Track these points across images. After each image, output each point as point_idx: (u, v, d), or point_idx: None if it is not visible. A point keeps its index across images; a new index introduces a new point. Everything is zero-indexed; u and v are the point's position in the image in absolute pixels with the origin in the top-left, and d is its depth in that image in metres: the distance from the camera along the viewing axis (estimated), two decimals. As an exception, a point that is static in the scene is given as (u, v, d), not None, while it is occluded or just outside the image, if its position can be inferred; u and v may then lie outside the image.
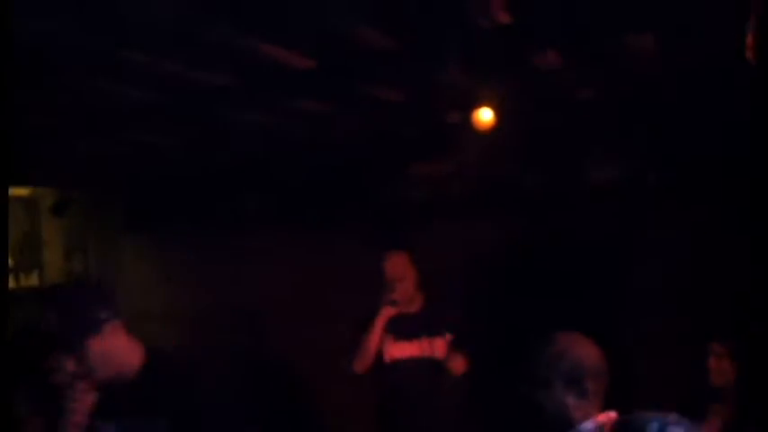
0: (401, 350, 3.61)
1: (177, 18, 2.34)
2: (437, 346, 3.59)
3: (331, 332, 4.08)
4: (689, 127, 3.81)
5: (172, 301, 5.69)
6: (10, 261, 5.65)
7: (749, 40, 1.96)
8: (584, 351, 1.93)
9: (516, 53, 2.94)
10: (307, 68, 2.92)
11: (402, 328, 3.61)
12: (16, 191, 5.56)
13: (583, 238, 4.20)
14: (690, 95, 3.69)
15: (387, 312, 3.59)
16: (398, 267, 3.60)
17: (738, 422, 2.75)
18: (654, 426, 1.63)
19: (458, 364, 3.57)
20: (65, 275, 5.79)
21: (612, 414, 1.87)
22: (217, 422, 4.99)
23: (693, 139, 3.79)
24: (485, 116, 3.91)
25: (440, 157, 4.50)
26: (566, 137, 4.19)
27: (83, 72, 2.92)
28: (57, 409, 4.11)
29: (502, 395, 2.54)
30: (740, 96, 3.13)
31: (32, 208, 5.81)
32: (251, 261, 5.27)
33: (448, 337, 3.60)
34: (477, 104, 3.83)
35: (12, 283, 5.64)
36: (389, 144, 4.53)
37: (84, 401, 1.77)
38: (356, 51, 2.77)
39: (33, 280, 5.71)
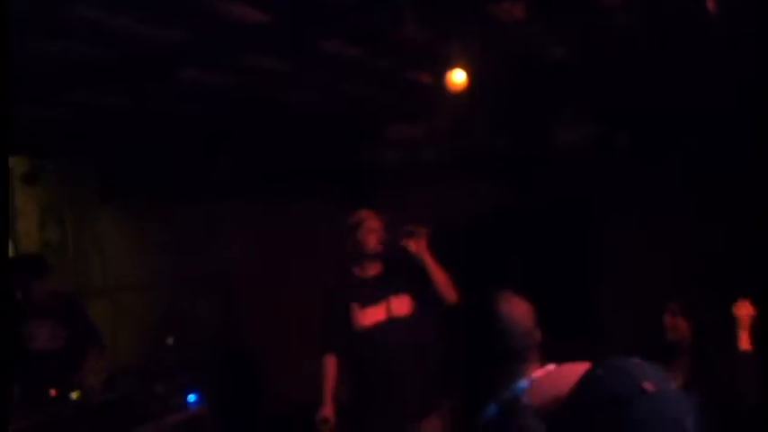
0: (371, 316, 3.58)
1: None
2: (403, 305, 3.58)
3: (303, 299, 4.06)
4: (659, 84, 3.76)
5: (147, 270, 5.66)
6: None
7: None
8: (512, 311, 1.90)
9: (477, 3, 2.88)
10: (263, 23, 2.85)
11: (367, 294, 3.59)
12: (-14, 159, 5.49)
13: (554, 199, 4.17)
14: (660, 52, 3.64)
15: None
16: (373, 222, 3.58)
17: (695, 376, 2.75)
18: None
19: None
20: (40, 245, 5.73)
21: (550, 367, 1.83)
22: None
23: (663, 96, 3.75)
24: (457, 77, 3.86)
25: (412, 119, 4.45)
26: (536, 97, 4.14)
27: (33, 30, 2.86)
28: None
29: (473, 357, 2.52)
30: (711, 51, 3.09)
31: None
32: (224, 228, 5.24)
33: (409, 294, 3.58)
34: (450, 66, 3.78)
35: (-15, 253, 5.58)
36: (361, 106, 4.47)
37: None
38: (313, 4, 2.71)
39: (8, 250, 5.64)
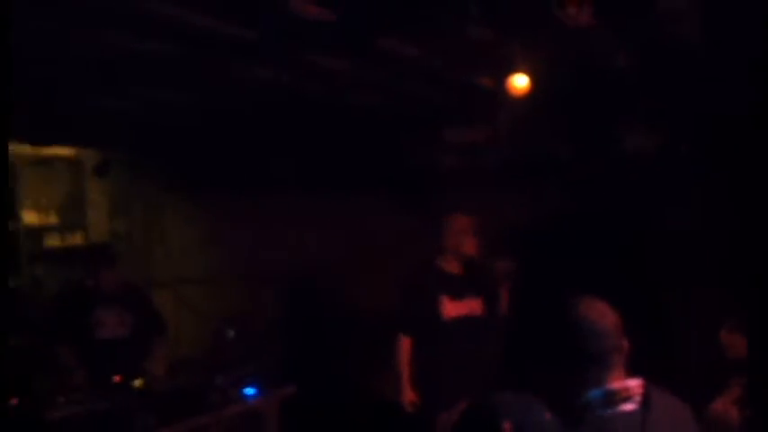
0: (457, 309, 3.90)
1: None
2: (478, 306, 3.95)
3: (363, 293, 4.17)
4: (722, 95, 3.66)
5: (210, 263, 5.81)
6: (55, 219, 5.85)
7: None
8: (596, 315, 1.83)
9: (543, 5, 2.86)
10: (327, 21, 2.89)
11: (454, 289, 3.90)
12: (60, 150, 5.72)
13: (616, 208, 4.11)
14: (724, 62, 3.54)
15: None
16: (462, 228, 3.92)
17: (752, 394, 2.68)
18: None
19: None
20: (109, 236, 5.96)
21: (634, 382, 1.75)
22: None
23: (726, 107, 3.65)
24: (519, 82, 3.85)
25: (473, 123, 4.44)
26: (599, 104, 4.09)
27: (107, 25, 2.97)
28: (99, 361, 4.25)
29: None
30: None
31: (77, 168, 5.97)
32: (286, 224, 5.33)
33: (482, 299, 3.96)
34: (512, 70, 3.77)
35: (57, 242, 5.84)
36: (421, 108, 4.48)
37: None
38: (375, 3, 2.74)
39: (78, 239, 5.88)
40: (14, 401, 3.45)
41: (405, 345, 3.90)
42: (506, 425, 1.42)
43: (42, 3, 2.72)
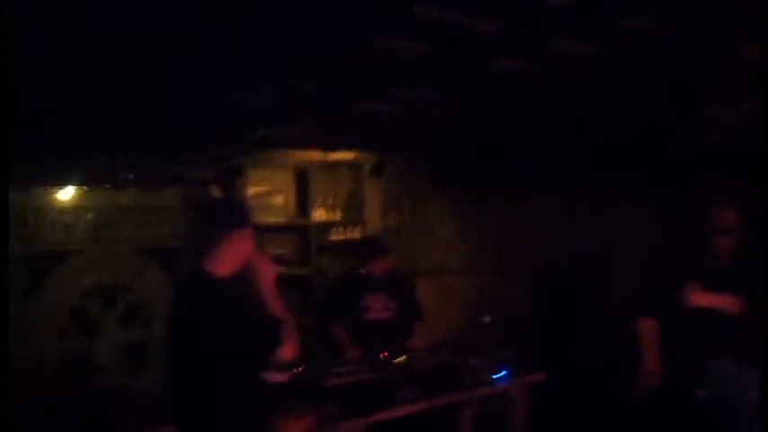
0: (707, 299, 3.74)
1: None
2: (736, 303, 3.72)
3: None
4: None
5: (470, 255, 6.08)
6: (338, 215, 6.60)
7: None
8: None
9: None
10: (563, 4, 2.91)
11: (711, 280, 3.74)
12: (343, 155, 6.44)
13: None
14: None
15: None
16: (725, 220, 3.74)
17: None
18: None
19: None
20: (382, 230, 6.56)
21: None
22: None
23: None
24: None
25: (738, 99, 4.07)
26: None
27: (373, 28, 3.26)
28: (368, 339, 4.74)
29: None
30: None
31: (356, 170, 6.66)
32: (539, 220, 5.38)
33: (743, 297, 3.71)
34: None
35: (340, 236, 6.59)
36: (680, 89, 4.22)
37: None
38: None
39: (356, 233, 6.56)
40: (300, 369, 4.00)
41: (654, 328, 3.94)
42: None
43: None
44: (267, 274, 2.87)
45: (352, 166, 6.65)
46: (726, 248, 3.72)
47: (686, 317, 3.75)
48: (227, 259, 2.83)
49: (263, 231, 5.35)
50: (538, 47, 3.57)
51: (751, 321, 3.61)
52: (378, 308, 5.07)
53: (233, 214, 2.97)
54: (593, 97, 4.46)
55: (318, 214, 6.64)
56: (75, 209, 5.51)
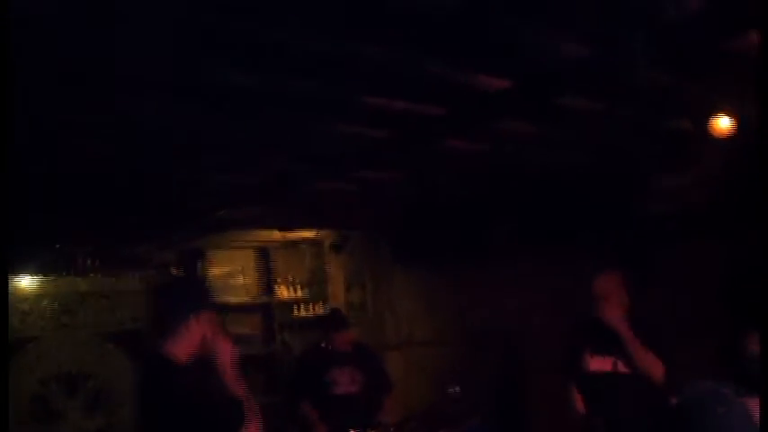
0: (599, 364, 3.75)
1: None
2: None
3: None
4: None
5: (434, 326, 6.14)
6: (301, 293, 6.65)
7: None
8: None
9: (713, 41, 2.83)
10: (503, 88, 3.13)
11: (599, 344, 3.72)
12: (305, 233, 6.54)
13: None
14: None
15: None
16: (606, 287, 3.71)
17: None
18: None
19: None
20: (345, 306, 6.61)
21: None
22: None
23: None
24: (721, 124, 3.74)
25: (679, 169, 4.32)
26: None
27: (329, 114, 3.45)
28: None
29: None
30: None
31: (317, 247, 6.76)
32: (504, 285, 5.52)
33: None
34: (712, 112, 3.68)
35: (303, 312, 6.62)
36: (624, 158, 4.47)
37: None
38: (555, 64, 2.90)
39: (320, 309, 6.61)
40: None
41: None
42: None
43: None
44: (227, 354, 2.90)
45: (312, 243, 6.75)
46: (602, 312, 3.63)
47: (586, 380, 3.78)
48: (188, 342, 2.86)
49: (225, 311, 5.40)
50: (482, 128, 3.79)
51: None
52: (344, 382, 5.02)
53: (193, 297, 3.01)
54: (543, 172, 4.70)
55: (281, 292, 6.68)
56: (32, 296, 5.45)
